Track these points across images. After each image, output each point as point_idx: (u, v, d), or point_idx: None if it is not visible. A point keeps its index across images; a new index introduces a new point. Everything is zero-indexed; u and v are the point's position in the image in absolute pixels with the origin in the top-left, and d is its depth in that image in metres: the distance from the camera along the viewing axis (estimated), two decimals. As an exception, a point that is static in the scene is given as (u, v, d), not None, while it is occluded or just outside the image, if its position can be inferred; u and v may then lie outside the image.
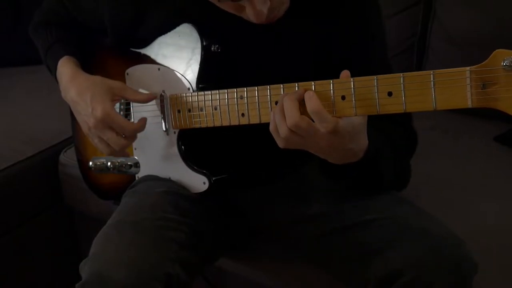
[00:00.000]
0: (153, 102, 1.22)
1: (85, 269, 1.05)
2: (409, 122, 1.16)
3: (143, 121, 1.19)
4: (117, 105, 1.30)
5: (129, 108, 1.29)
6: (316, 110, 0.89)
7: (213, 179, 1.16)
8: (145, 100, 1.20)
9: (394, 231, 1.05)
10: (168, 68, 1.18)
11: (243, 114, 1.02)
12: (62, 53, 1.32)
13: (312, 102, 0.90)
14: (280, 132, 0.93)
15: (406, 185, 1.16)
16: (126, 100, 1.25)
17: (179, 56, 1.17)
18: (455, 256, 1.00)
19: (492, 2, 1.78)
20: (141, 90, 1.24)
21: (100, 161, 1.33)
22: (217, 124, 1.08)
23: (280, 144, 0.96)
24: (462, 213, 1.38)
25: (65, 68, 1.29)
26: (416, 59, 1.98)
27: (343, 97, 0.89)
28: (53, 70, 1.33)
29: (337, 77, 0.91)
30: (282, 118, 0.92)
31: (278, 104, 0.94)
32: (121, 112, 1.28)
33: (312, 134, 0.91)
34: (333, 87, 0.90)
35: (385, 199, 1.13)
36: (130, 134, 1.18)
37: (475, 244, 1.18)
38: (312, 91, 0.91)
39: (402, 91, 0.85)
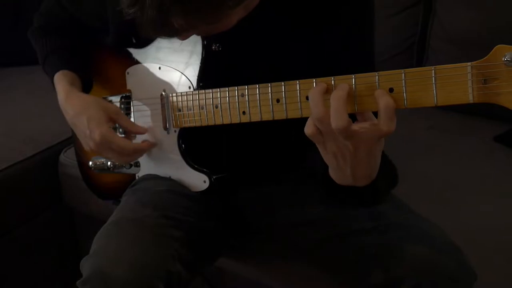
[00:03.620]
0: (154, 101, 1.22)
1: (86, 266, 1.06)
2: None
3: (145, 144, 1.23)
4: (117, 104, 1.30)
5: (129, 108, 1.29)
6: (392, 106, 0.84)
7: (214, 177, 1.16)
8: (138, 132, 1.23)
9: (394, 238, 1.05)
10: (169, 67, 1.18)
11: (244, 112, 1.02)
12: (57, 67, 1.32)
13: (389, 98, 0.84)
14: (314, 113, 0.87)
15: (396, 183, 1.10)
16: (120, 125, 1.26)
17: (179, 55, 1.17)
18: (456, 264, 1.00)
19: (492, 2, 1.79)
20: (141, 90, 1.25)
21: (100, 160, 1.33)
22: (218, 122, 1.07)
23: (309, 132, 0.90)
24: (461, 213, 1.38)
25: (59, 86, 1.29)
26: (416, 59, 1.98)
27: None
28: (50, 82, 1.34)
29: (334, 74, 0.90)
30: (325, 109, 0.86)
31: (320, 87, 0.88)
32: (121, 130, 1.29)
33: (351, 136, 0.86)
34: (334, 84, 0.90)
35: (385, 206, 1.12)
36: (130, 153, 1.19)
37: (475, 244, 1.19)
38: (382, 90, 0.86)
39: (404, 87, 0.85)
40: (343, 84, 0.88)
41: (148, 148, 1.23)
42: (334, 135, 0.87)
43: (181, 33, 0.94)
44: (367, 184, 0.95)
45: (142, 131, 1.22)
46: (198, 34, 1.06)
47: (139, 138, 1.25)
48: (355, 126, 0.86)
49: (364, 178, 0.94)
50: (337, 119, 0.84)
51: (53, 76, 1.32)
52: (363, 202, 1.05)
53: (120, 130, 1.27)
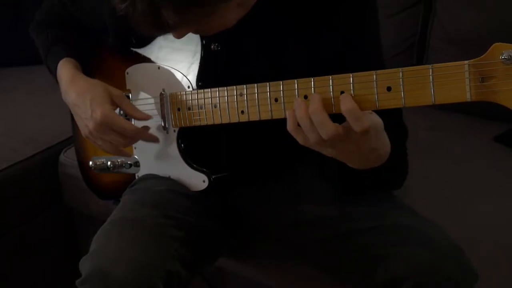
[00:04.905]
0: (153, 100, 1.22)
1: (85, 265, 1.06)
2: (401, 118, 1.16)
3: (146, 132, 1.22)
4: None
5: (130, 107, 1.29)
6: (352, 108, 0.87)
7: (213, 177, 1.16)
8: (140, 118, 1.21)
9: (395, 238, 1.05)
10: (168, 67, 1.19)
11: (242, 111, 1.02)
12: (61, 55, 1.33)
13: (347, 102, 0.88)
14: (311, 137, 0.91)
15: (402, 183, 1.15)
16: (122, 110, 1.25)
17: (178, 55, 1.17)
18: (456, 265, 1.00)
19: (492, 2, 1.79)
20: (141, 90, 1.25)
21: (100, 160, 1.33)
22: (217, 121, 1.07)
23: (302, 142, 0.94)
24: (461, 213, 1.38)
25: (64, 70, 1.29)
26: (416, 59, 1.98)
27: (342, 93, 0.89)
28: (53, 72, 1.33)
29: (333, 73, 0.91)
30: (311, 127, 0.90)
31: (300, 110, 0.91)
32: (122, 112, 1.28)
33: (344, 139, 0.90)
34: (332, 83, 0.90)
35: (386, 206, 1.13)
36: (131, 134, 1.18)
37: (474, 244, 1.18)
38: (346, 94, 0.89)
39: (401, 86, 0.85)
40: (314, 96, 0.90)
41: (148, 136, 1.22)
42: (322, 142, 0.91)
43: (176, 29, 0.93)
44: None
45: (145, 116, 1.20)
46: (195, 33, 1.05)
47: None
48: (341, 129, 0.89)
49: (366, 164, 0.99)
50: (325, 131, 0.88)
51: (57, 65, 1.31)
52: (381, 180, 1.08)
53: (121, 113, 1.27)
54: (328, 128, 0.88)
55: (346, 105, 0.88)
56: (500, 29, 1.72)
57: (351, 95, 0.89)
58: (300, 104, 0.91)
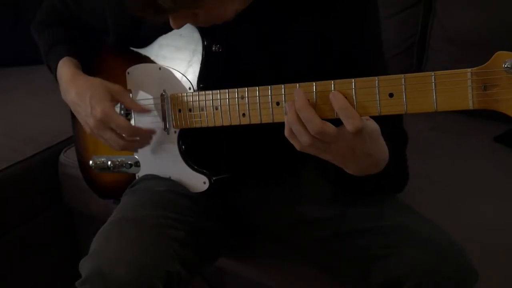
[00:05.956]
0: (154, 101, 1.22)
1: (85, 266, 1.05)
2: (401, 122, 1.16)
3: (144, 130, 1.21)
4: (118, 104, 1.30)
5: (130, 107, 1.29)
6: (344, 106, 0.88)
7: (213, 178, 1.16)
8: (140, 111, 1.21)
9: (396, 238, 1.05)
10: (169, 67, 1.18)
11: (244, 114, 1.02)
12: (62, 54, 1.33)
13: (339, 100, 0.89)
14: (302, 141, 0.92)
15: (403, 187, 1.16)
16: (123, 104, 1.25)
17: (180, 56, 1.17)
18: (457, 265, 1.00)
19: (492, 2, 1.79)
20: (141, 90, 1.25)
21: (101, 160, 1.33)
22: (218, 124, 1.07)
23: (299, 148, 0.95)
24: (461, 213, 1.38)
25: (65, 69, 1.29)
26: (416, 59, 1.98)
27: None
28: (53, 70, 1.33)
29: (337, 77, 0.91)
30: (301, 127, 0.91)
31: (289, 113, 0.92)
32: (122, 112, 1.28)
33: (336, 140, 0.90)
34: (334, 88, 0.90)
35: (386, 206, 1.13)
36: (129, 134, 1.18)
37: (474, 244, 1.18)
38: (336, 91, 0.90)
39: (404, 92, 0.85)
40: (296, 93, 0.92)
41: (146, 134, 1.21)
42: (317, 144, 0.91)
43: (173, 13, 0.94)
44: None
45: (142, 109, 1.21)
46: (194, 24, 1.05)
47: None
48: (332, 128, 0.89)
49: (362, 170, 0.99)
50: (312, 127, 0.89)
51: (57, 64, 1.32)
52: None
53: (122, 112, 1.28)
54: (316, 124, 0.89)
55: (338, 103, 0.89)
56: (500, 29, 1.72)
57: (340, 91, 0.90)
58: (290, 106, 0.92)
